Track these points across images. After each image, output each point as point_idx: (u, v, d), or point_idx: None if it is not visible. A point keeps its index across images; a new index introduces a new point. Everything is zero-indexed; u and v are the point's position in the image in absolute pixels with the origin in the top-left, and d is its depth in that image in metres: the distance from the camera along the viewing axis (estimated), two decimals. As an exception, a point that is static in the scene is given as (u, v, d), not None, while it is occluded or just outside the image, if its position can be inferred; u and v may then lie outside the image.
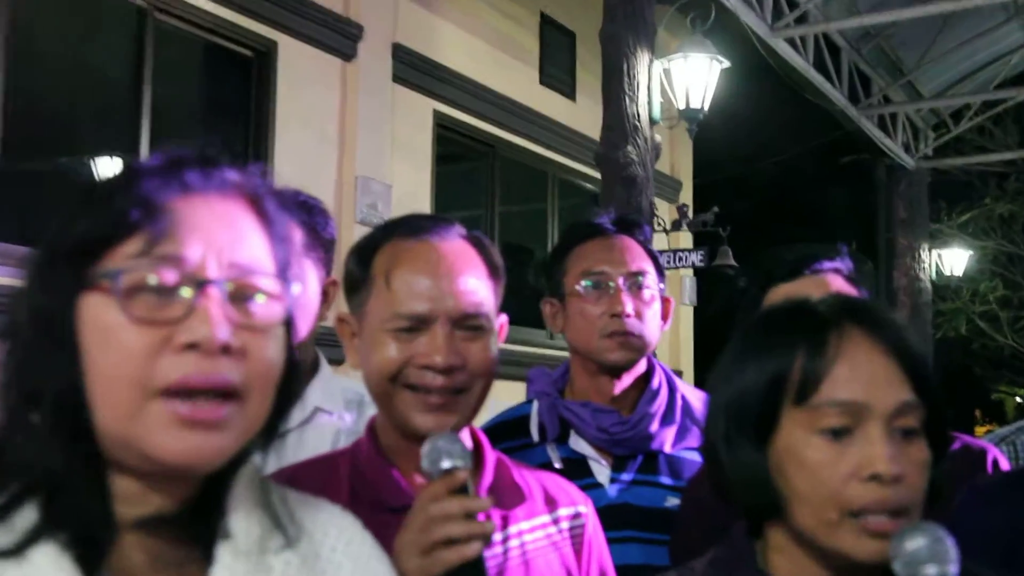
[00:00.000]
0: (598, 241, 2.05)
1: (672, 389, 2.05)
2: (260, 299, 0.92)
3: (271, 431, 0.97)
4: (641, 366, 2.05)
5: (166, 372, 0.86)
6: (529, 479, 1.53)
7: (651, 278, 2.03)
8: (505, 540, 1.43)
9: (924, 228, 11.35)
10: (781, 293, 1.86)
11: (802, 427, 1.12)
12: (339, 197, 6.14)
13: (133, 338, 0.86)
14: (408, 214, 1.56)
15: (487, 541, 1.25)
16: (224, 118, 5.91)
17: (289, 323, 0.96)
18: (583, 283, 2.01)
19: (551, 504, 1.51)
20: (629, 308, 1.97)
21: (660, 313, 2.05)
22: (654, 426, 1.99)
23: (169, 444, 0.86)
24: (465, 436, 1.47)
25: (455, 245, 1.45)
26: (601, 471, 1.98)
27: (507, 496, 1.47)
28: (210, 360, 0.87)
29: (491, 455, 1.51)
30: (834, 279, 1.93)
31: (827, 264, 1.95)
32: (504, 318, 1.51)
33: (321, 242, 1.94)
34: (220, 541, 0.93)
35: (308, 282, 1.88)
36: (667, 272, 9.41)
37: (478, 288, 1.43)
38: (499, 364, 1.48)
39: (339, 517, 1.07)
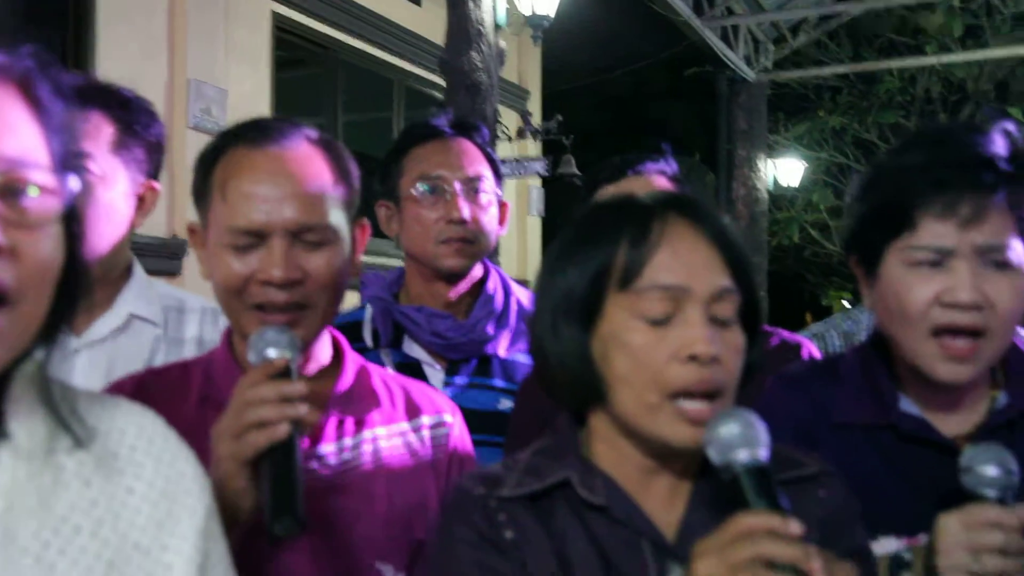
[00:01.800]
0: (435, 144, 2.01)
1: (507, 293, 2.06)
2: (33, 193, 0.85)
3: (52, 333, 0.91)
4: (477, 271, 2.04)
5: None
6: (393, 386, 1.52)
7: (488, 182, 2.01)
8: (358, 445, 1.42)
9: (762, 139, 11.72)
10: (606, 194, 1.90)
11: (626, 311, 1.14)
12: (170, 101, 5.82)
13: None
14: (253, 118, 1.47)
15: (302, 426, 1.22)
16: (38, 17, 5.46)
17: (71, 219, 0.90)
18: (419, 187, 1.97)
19: (413, 411, 1.50)
20: (466, 213, 1.95)
21: (497, 218, 2.04)
22: (489, 330, 1.99)
23: None
24: (325, 342, 1.47)
25: (298, 152, 1.38)
26: (435, 375, 1.98)
27: (364, 401, 1.46)
28: None
29: (352, 361, 1.50)
30: (657, 179, 1.98)
31: (651, 165, 2.01)
32: (366, 223, 1.47)
33: (142, 143, 1.80)
34: None
35: (117, 184, 1.76)
36: (514, 182, 9.29)
37: (320, 197, 1.37)
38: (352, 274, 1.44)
39: (139, 416, 1.01)
